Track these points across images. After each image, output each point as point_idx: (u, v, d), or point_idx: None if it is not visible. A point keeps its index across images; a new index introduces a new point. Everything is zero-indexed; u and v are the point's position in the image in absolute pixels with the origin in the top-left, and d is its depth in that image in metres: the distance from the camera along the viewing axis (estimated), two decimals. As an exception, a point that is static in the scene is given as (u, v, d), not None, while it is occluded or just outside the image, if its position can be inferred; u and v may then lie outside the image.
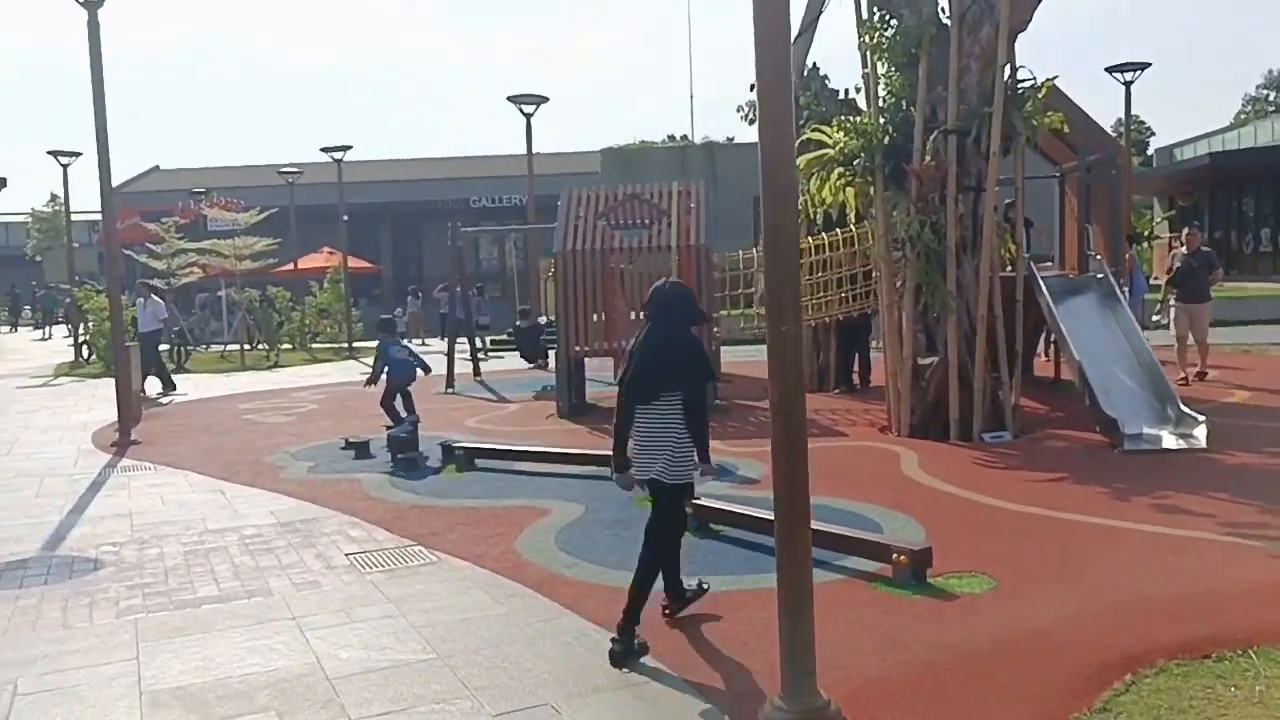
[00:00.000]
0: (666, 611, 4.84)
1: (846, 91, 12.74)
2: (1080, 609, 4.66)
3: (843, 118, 9.78)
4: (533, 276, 20.49)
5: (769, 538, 5.86)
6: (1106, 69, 17.77)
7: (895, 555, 5.13)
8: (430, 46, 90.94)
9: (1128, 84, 17.52)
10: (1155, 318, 11.80)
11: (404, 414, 9.83)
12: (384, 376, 10.03)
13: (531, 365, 16.75)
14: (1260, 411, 10.00)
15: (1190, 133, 32.45)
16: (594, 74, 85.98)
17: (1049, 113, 9.28)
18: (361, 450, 9.57)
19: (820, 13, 13.02)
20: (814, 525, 4.14)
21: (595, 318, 11.55)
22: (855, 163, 9.54)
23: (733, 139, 30.49)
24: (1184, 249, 11.94)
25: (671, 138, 31.35)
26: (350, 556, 6.11)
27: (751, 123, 13.95)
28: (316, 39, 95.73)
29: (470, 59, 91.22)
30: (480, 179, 34.09)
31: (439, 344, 24.43)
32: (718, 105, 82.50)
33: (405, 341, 12.13)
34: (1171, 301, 12.06)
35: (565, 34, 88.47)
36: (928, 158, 9.19)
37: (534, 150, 18.76)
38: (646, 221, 11.64)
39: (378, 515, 7.14)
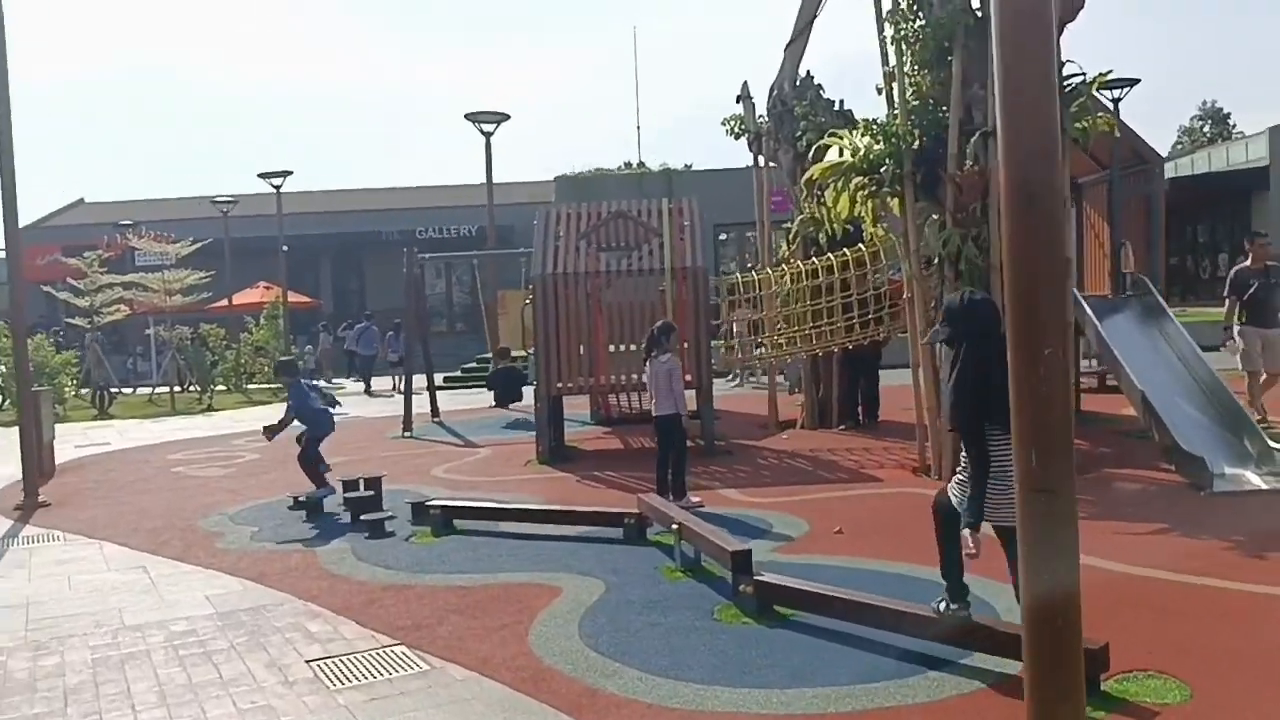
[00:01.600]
0: None
1: (842, 102, 11.75)
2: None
3: (867, 120, 8.65)
4: (488, 310, 19.13)
5: (854, 625, 4.63)
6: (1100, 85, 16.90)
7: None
8: (374, 73, 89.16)
9: (1116, 101, 16.84)
10: (1226, 347, 9.94)
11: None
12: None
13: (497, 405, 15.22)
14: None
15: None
16: (536, 107, 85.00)
17: (1100, 114, 8.27)
18: (315, 510, 8.11)
19: (815, 17, 12.02)
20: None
21: (579, 350, 10.24)
22: (883, 169, 8.42)
23: (690, 166, 29.47)
24: (1248, 262, 9.87)
25: (628, 164, 30.20)
26: (314, 665, 4.68)
27: (738, 136, 12.85)
28: (256, 60, 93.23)
29: (416, 87, 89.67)
30: (428, 209, 32.58)
31: (352, 384, 22.90)
32: (669, 133, 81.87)
33: (316, 381, 10.70)
34: (1238, 327, 9.70)
35: (510, 65, 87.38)
36: (968, 163, 8.10)
37: (485, 180, 17.44)
38: (635, 242, 10.40)
39: (343, 600, 5.70)
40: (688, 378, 9.39)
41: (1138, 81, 16.66)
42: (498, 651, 4.69)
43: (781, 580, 5.03)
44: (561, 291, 10.09)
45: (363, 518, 7.43)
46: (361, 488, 8.10)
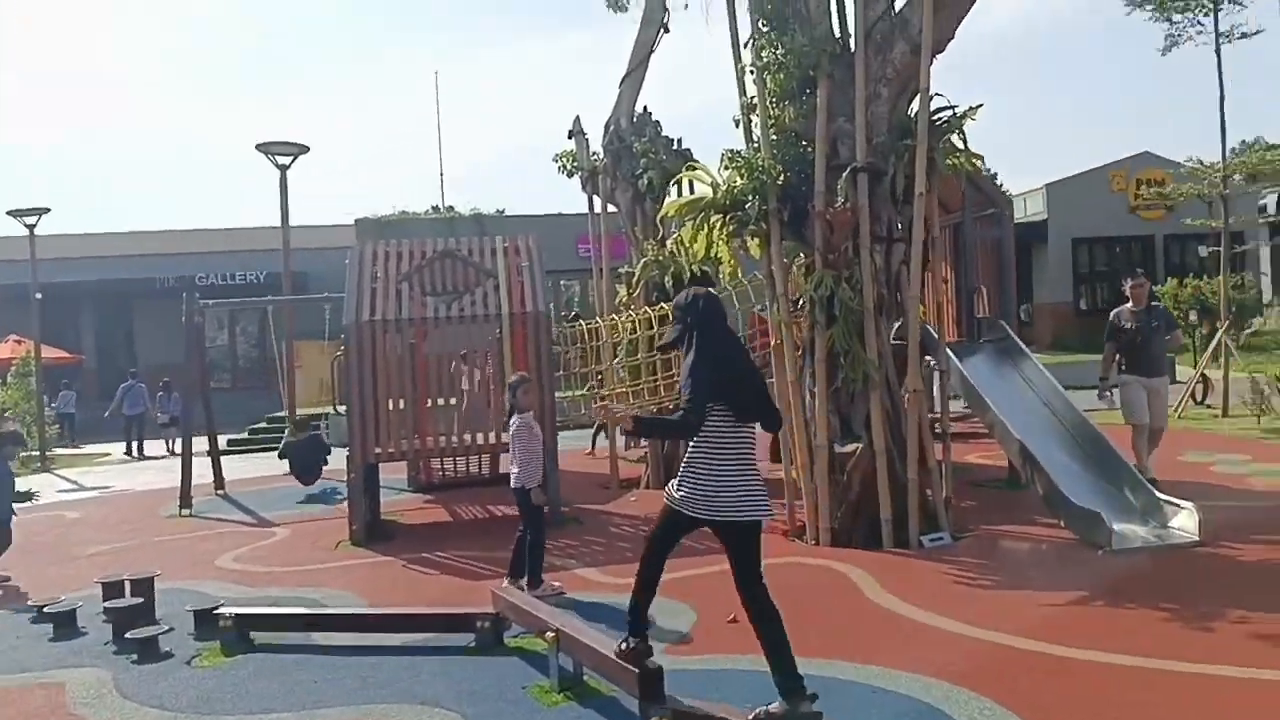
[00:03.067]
0: None
1: (679, 140, 11.04)
2: None
3: (729, 151, 7.85)
4: (285, 364, 17.14)
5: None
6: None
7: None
8: (155, 117, 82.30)
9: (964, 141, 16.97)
10: (1103, 399, 8.79)
11: None
12: None
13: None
14: (1214, 488, 8.52)
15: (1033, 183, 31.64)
16: (330, 153, 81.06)
17: (964, 152, 7.83)
18: (65, 623, 6.31)
19: (651, 52, 11.32)
20: None
21: (399, 408, 8.85)
22: (747, 206, 7.63)
23: (503, 211, 28.33)
24: (1129, 305, 8.81)
25: (436, 208, 28.68)
26: None
27: (571, 174, 11.90)
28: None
29: (196, 133, 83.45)
30: (210, 254, 29.62)
31: (120, 452, 20.14)
32: (467, 180, 79.77)
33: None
34: (1115, 377, 8.68)
35: (304, 103, 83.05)
36: (840, 200, 7.44)
37: (276, 223, 15.55)
38: (465, 285, 9.16)
39: (97, 768, 4.14)
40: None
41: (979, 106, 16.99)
42: (328, 847, 3.34)
43: (712, 710, 3.93)
44: (380, 341, 8.70)
45: (128, 635, 5.76)
46: (126, 591, 6.39)
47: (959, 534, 7.53)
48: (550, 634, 4.69)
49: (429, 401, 9.63)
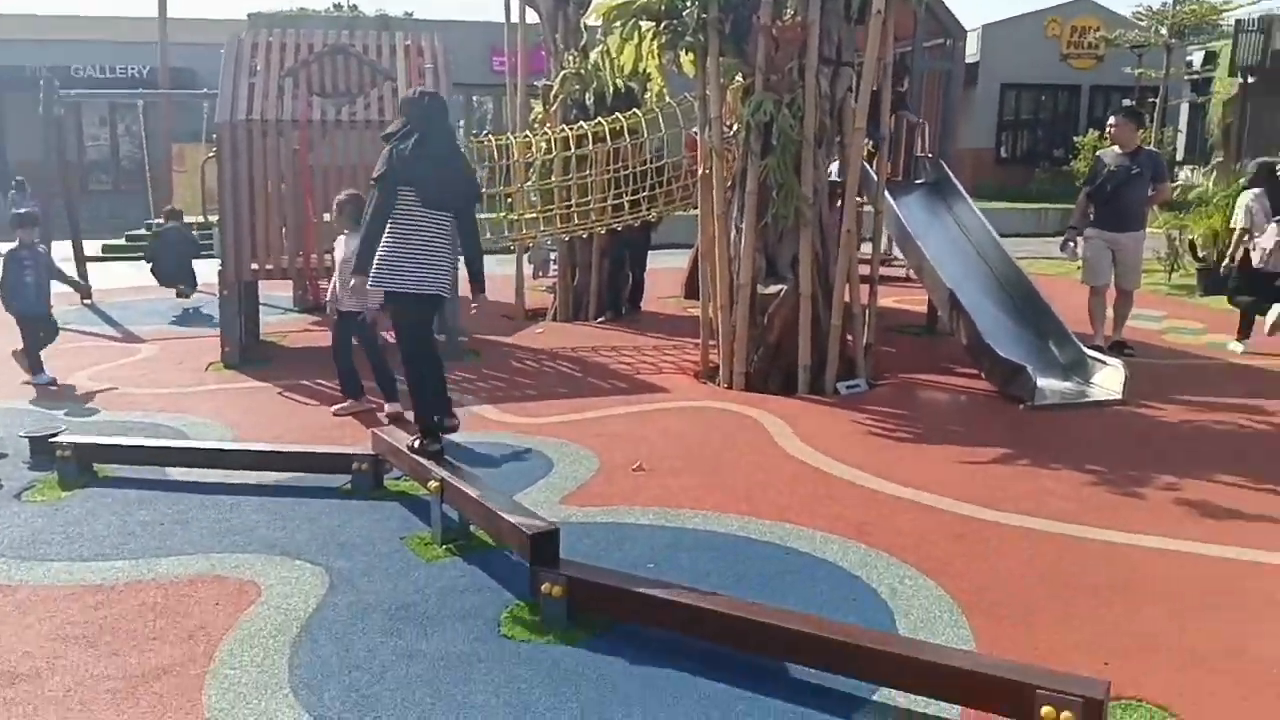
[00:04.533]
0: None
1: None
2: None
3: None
4: (165, 168, 15.68)
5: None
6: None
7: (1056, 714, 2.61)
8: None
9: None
10: (1066, 251, 7.98)
11: None
12: None
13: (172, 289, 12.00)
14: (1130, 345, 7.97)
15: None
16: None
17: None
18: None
19: None
20: None
21: (280, 221, 7.95)
22: (685, 14, 6.75)
23: (411, 14, 26.08)
24: (1114, 146, 7.88)
25: (337, 5, 26.24)
26: None
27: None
28: None
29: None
30: (86, 42, 26.86)
31: None
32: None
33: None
34: (1085, 231, 7.84)
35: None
36: (789, 13, 6.62)
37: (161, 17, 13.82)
38: (359, 86, 8.13)
39: (-118, 622, 3.51)
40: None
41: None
42: (151, 731, 2.82)
43: (608, 579, 3.46)
44: (258, 144, 7.70)
45: (-53, 462, 5.04)
46: (-48, 413, 5.61)
47: (876, 381, 7.20)
48: (434, 482, 4.14)
49: (315, 216, 8.70)
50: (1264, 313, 7.89)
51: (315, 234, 8.14)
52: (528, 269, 11.09)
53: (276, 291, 10.65)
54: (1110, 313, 7.93)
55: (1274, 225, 7.93)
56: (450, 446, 5.41)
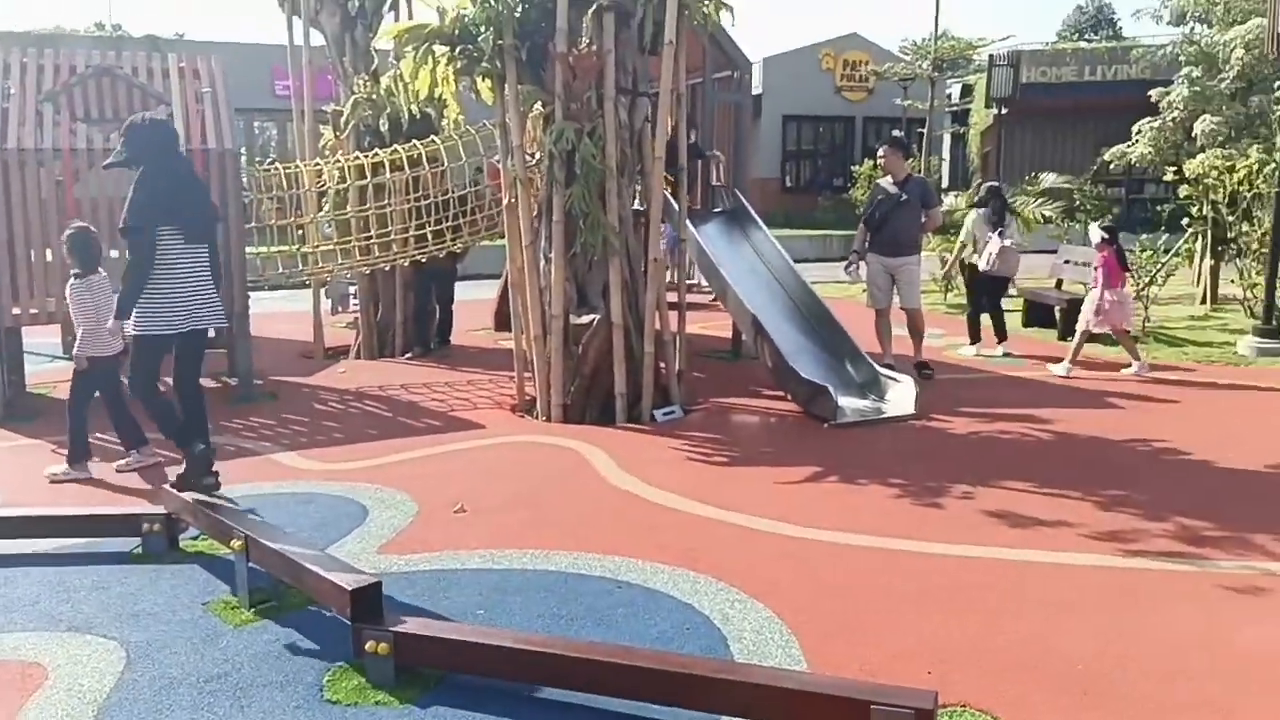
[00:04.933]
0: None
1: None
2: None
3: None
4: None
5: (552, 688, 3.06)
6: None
7: (890, 730, 2.69)
8: None
9: None
10: (849, 274, 8.51)
11: None
12: None
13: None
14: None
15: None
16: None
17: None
18: None
19: None
20: None
21: (45, 257, 7.25)
22: (480, 40, 6.68)
23: (183, 35, 24.69)
24: (885, 177, 8.34)
25: (100, 25, 24.48)
26: None
27: None
28: None
29: None
30: None
31: None
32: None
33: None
34: (863, 257, 8.24)
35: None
36: (585, 41, 6.68)
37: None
38: (129, 111, 7.53)
39: None
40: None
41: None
42: None
43: (436, 631, 3.31)
44: (15, 176, 6.99)
45: None
46: None
47: (689, 407, 7.33)
48: (237, 540, 3.85)
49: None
50: (995, 320, 9.31)
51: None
52: (325, 304, 10.63)
53: (41, 338, 9.70)
54: (899, 332, 8.40)
55: (995, 236, 9.06)
56: (253, 499, 5.09)
